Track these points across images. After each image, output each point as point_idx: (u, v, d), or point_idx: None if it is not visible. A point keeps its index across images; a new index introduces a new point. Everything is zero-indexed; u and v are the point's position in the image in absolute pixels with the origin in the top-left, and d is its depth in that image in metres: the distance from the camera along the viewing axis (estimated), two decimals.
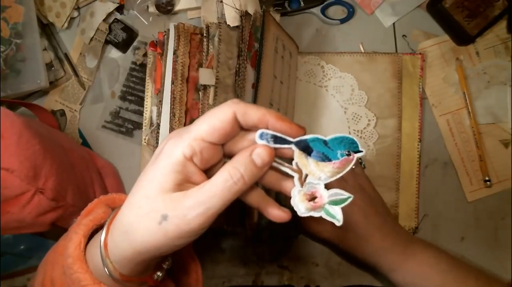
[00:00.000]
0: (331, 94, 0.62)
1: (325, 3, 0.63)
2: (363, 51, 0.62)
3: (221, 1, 0.51)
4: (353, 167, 0.54)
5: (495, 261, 0.59)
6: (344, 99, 0.61)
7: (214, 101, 0.50)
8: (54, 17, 0.62)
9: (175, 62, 0.53)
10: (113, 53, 0.64)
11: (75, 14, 0.64)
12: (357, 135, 0.61)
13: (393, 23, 0.63)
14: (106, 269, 0.32)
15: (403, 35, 0.63)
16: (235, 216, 0.48)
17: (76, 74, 0.63)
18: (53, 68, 0.63)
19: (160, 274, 0.36)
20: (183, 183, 0.31)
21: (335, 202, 0.31)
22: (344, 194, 0.31)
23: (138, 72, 0.63)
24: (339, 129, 0.61)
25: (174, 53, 0.54)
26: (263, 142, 0.31)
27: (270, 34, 0.52)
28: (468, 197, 0.60)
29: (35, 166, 0.43)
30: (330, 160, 0.30)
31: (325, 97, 0.62)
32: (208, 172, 0.33)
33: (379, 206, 0.54)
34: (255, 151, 0.31)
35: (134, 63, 0.64)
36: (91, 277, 0.33)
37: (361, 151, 0.30)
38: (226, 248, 0.61)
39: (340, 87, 0.62)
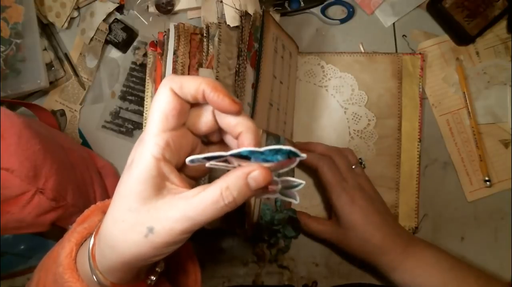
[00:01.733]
0: (331, 94, 0.62)
1: (325, 3, 0.63)
2: (363, 51, 0.62)
3: (221, 1, 0.51)
4: (353, 166, 0.55)
5: (495, 261, 0.59)
6: (344, 99, 0.61)
7: None
8: (54, 17, 0.62)
9: (175, 62, 0.53)
10: (113, 53, 0.64)
11: (75, 14, 0.64)
12: (357, 135, 0.61)
13: (393, 23, 0.63)
14: (96, 279, 0.32)
15: (403, 35, 0.63)
16: (234, 216, 0.48)
17: (76, 74, 0.63)
18: (53, 68, 0.63)
19: (154, 278, 0.35)
20: (163, 186, 0.30)
21: (289, 188, 0.31)
22: (298, 182, 0.30)
23: (138, 72, 0.63)
24: (339, 129, 0.61)
25: (174, 53, 0.54)
26: (196, 164, 0.30)
27: (269, 34, 0.52)
28: (468, 197, 0.60)
29: (35, 166, 0.43)
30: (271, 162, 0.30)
31: (325, 97, 0.62)
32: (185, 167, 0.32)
33: (379, 206, 0.54)
34: (251, 174, 0.29)
35: (134, 63, 0.64)
36: (82, 286, 0.32)
37: (302, 156, 0.29)
38: (226, 248, 0.61)
39: (340, 87, 0.62)
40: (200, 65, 0.53)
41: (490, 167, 0.60)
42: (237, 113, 0.31)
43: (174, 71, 0.53)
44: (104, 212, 0.35)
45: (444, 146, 0.61)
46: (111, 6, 0.62)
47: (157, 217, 0.28)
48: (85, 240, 0.34)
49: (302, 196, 0.60)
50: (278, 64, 0.55)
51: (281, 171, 0.30)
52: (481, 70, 0.61)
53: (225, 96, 0.30)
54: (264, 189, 0.30)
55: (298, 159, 0.29)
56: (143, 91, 0.62)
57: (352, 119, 0.61)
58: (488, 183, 0.60)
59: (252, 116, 0.49)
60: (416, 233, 0.60)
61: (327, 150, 0.57)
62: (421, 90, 0.61)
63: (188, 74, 0.54)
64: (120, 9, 0.64)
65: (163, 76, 0.55)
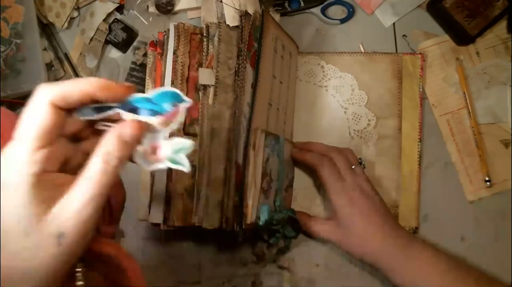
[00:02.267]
0: (331, 94, 0.62)
1: (325, 3, 0.63)
2: (363, 51, 0.62)
3: (221, 1, 0.51)
4: (353, 167, 0.54)
5: (495, 261, 0.59)
6: (344, 99, 0.61)
7: (214, 101, 0.50)
8: (54, 17, 0.62)
9: (175, 62, 0.53)
10: (113, 53, 0.64)
11: (75, 14, 0.64)
12: (357, 135, 0.61)
13: (393, 23, 0.63)
14: None
15: (403, 35, 0.62)
16: (233, 217, 0.48)
17: (76, 74, 0.63)
18: (53, 68, 0.63)
19: (81, 282, 0.31)
20: (51, 194, 0.27)
21: (178, 151, 0.31)
22: (186, 142, 0.30)
23: (138, 72, 0.63)
24: (339, 129, 0.61)
25: (174, 53, 0.54)
26: (86, 118, 0.30)
27: (269, 34, 0.52)
28: (468, 197, 0.60)
29: None
30: (159, 114, 0.30)
31: (325, 97, 0.62)
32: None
33: (379, 206, 0.54)
34: (123, 129, 0.28)
35: (134, 63, 0.64)
36: None
37: (186, 101, 0.30)
38: (225, 249, 0.61)
39: (340, 87, 0.61)
40: (200, 65, 0.53)
41: (490, 167, 0.60)
42: (132, 93, 0.30)
43: (174, 70, 0.53)
44: None
45: (444, 146, 0.61)
46: (111, 6, 0.62)
47: (61, 220, 0.27)
48: None
49: (302, 196, 0.60)
50: (278, 64, 0.55)
51: (172, 127, 0.30)
52: (481, 70, 0.61)
53: (117, 87, 0.29)
54: (151, 155, 0.31)
55: (183, 106, 0.30)
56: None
57: (352, 119, 0.61)
58: (488, 183, 0.59)
59: (251, 115, 0.49)
60: (416, 233, 0.60)
61: (327, 150, 0.56)
62: (421, 90, 0.61)
63: (188, 74, 0.54)
64: (120, 9, 0.64)
65: (163, 75, 0.55)
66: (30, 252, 0.26)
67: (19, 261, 0.26)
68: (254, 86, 0.49)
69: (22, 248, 0.26)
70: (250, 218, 0.47)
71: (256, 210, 0.49)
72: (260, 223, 0.49)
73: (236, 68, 0.50)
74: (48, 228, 0.26)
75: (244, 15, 0.51)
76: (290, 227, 0.55)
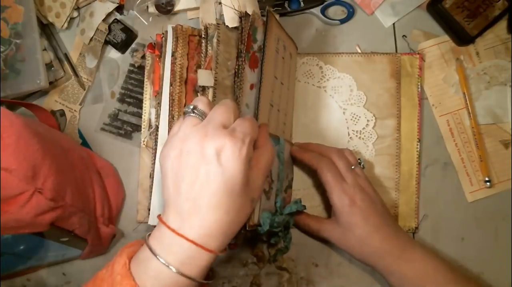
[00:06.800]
0: (330, 94, 0.62)
1: (325, 3, 0.62)
2: (359, 51, 0.62)
3: (220, 3, 0.51)
4: (353, 167, 0.54)
5: (495, 262, 0.59)
6: (343, 99, 0.61)
7: (213, 102, 0.50)
8: (54, 17, 0.62)
9: (173, 64, 0.53)
10: (113, 53, 0.64)
11: (75, 14, 0.64)
12: (356, 136, 0.61)
13: (393, 23, 0.63)
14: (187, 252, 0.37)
15: (403, 35, 0.62)
16: None
17: (76, 74, 0.64)
18: (53, 68, 0.63)
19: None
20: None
21: None
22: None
23: (136, 74, 0.63)
24: (338, 129, 0.61)
25: (172, 55, 0.54)
26: None
27: (272, 35, 0.52)
28: (468, 198, 0.60)
29: (34, 166, 0.43)
30: None
31: (323, 97, 0.62)
32: None
33: (379, 207, 0.54)
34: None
35: (132, 65, 0.64)
36: None
37: None
38: (225, 249, 0.61)
39: (338, 88, 0.61)
40: (199, 66, 0.53)
41: (490, 168, 0.60)
42: None
43: (173, 72, 0.53)
44: (127, 256, 0.39)
45: (444, 147, 0.61)
46: (111, 6, 0.62)
47: (253, 189, 0.41)
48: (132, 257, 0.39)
49: (302, 197, 0.60)
50: (279, 65, 0.55)
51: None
52: (481, 70, 0.61)
53: None
54: None
55: None
56: (142, 93, 0.62)
57: (351, 119, 0.61)
58: (488, 183, 0.59)
59: (256, 117, 0.49)
60: (416, 234, 0.60)
61: (326, 150, 0.56)
62: (419, 90, 0.61)
63: (187, 75, 0.54)
64: (120, 9, 0.64)
65: (161, 78, 0.55)
66: (240, 207, 0.39)
67: (234, 211, 0.39)
68: (259, 87, 0.49)
69: (240, 202, 0.39)
70: (253, 219, 0.47)
71: (259, 211, 0.49)
72: (261, 231, 0.49)
73: (236, 69, 0.50)
74: (248, 194, 0.40)
75: (244, 16, 0.51)
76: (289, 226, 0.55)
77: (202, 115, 0.41)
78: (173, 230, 0.38)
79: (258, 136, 0.43)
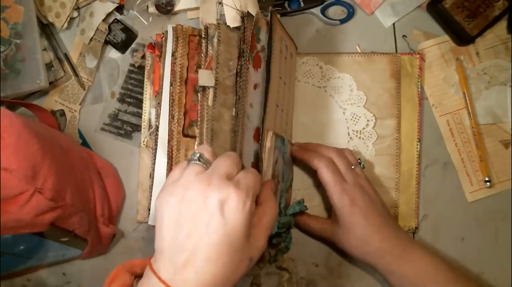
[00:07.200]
0: (330, 94, 0.62)
1: (325, 3, 0.62)
2: (359, 51, 0.62)
3: (220, 3, 0.51)
4: (353, 167, 0.54)
5: (495, 262, 0.59)
6: (343, 99, 0.61)
7: (214, 102, 0.50)
8: (54, 17, 0.62)
9: (173, 64, 0.53)
10: (113, 53, 0.64)
11: (75, 14, 0.64)
12: (356, 136, 0.61)
13: (393, 23, 0.63)
14: None
15: (403, 35, 0.62)
16: None
17: (76, 74, 0.64)
18: (53, 68, 0.63)
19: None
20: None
21: None
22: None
23: (136, 74, 0.63)
24: (338, 129, 0.61)
25: (173, 55, 0.54)
26: None
27: (276, 35, 0.52)
28: (468, 198, 0.60)
29: (34, 166, 0.43)
30: None
31: (323, 97, 0.62)
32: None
33: (379, 207, 0.54)
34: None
35: (132, 65, 0.64)
36: None
37: None
38: None
39: (338, 88, 0.61)
40: (199, 66, 0.53)
41: (490, 168, 0.60)
42: None
43: (173, 72, 0.53)
44: (129, 272, 0.39)
45: (444, 147, 0.61)
46: (111, 6, 0.62)
47: (253, 249, 0.39)
48: None
49: (302, 197, 0.60)
50: (283, 65, 0.55)
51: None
52: (481, 70, 0.61)
53: None
54: None
55: None
56: (142, 93, 0.62)
57: (351, 119, 0.61)
58: (488, 183, 0.59)
59: (263, 118, 0.49)
60: (416, 234, 0.60)
61: (326, 150, 0.56)
62: (419, 90, 0.61)
63: (187, 75, 0.54)
64: (120, 9, 0.64)
65: (162, 78, 0.55)
66: (237, 264, 0.37)
67: (231, 267, 0.37)
68: (266, 88, 0.49)
69: (240, 260, 0.38)
70: None
71: None
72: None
73: (238, 69, 0.50)
74: (247, 252, 0.38)
75: (246, 15, 0.51)
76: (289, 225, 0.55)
77: (207, 164, 0.39)
78: (164, 282, 0.35)
79: (261, 190, 0.41)
